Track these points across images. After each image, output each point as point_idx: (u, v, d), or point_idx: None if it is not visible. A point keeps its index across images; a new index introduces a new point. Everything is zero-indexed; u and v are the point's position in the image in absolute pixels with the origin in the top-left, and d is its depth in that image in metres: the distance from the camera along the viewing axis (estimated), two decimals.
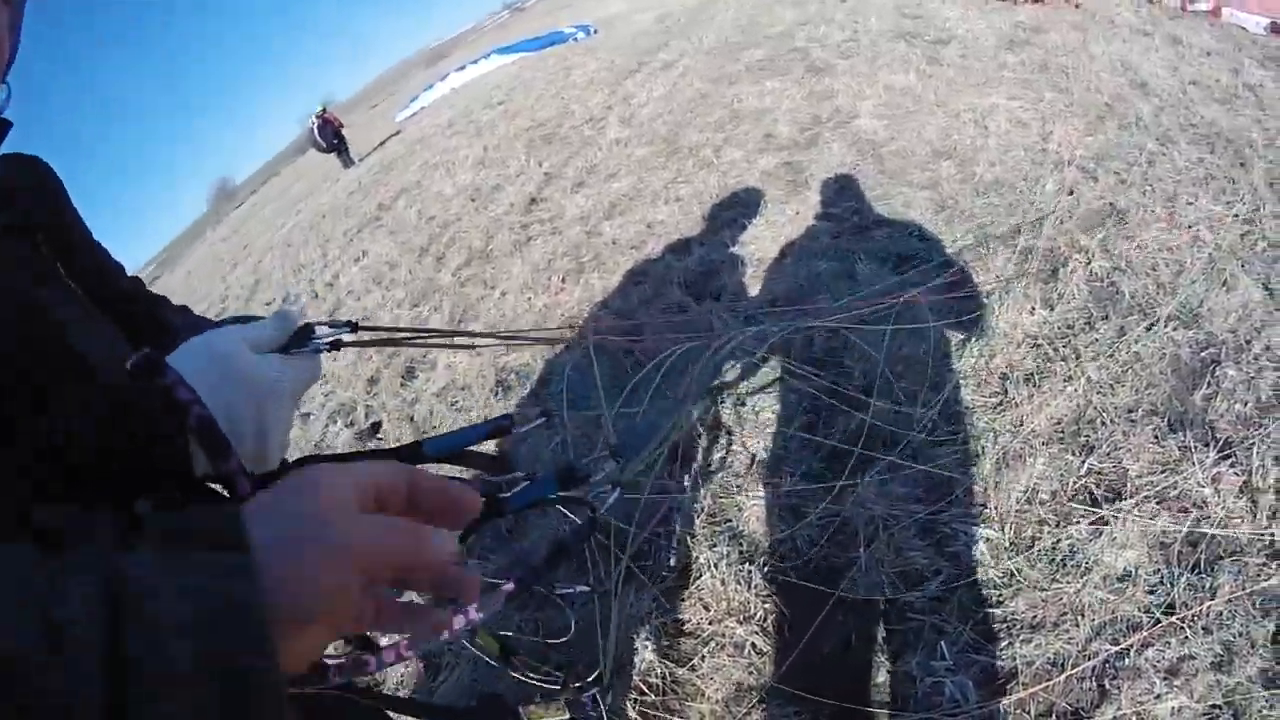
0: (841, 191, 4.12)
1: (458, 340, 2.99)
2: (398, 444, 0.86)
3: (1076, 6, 6.86)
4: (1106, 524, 1.83)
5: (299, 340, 0.70)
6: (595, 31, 17.03)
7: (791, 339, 2.98)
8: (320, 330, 0.74)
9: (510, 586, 0.69)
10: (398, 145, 15.08)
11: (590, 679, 0.96)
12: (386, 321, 5.17)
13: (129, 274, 0.95)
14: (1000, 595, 1.78)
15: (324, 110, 17.23)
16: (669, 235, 4.37)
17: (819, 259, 3.49)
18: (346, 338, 0.78)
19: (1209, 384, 2.17)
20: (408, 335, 1.03)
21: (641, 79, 9.10)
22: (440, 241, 6.33)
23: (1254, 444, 1.93)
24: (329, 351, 0.74)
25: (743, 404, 2.70)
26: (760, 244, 3.89)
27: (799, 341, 2.97)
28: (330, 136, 16.81)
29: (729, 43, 9.17)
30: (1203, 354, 2.30)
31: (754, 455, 2.41)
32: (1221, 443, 1.97)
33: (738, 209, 4.38)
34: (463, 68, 20.68)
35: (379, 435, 3.80)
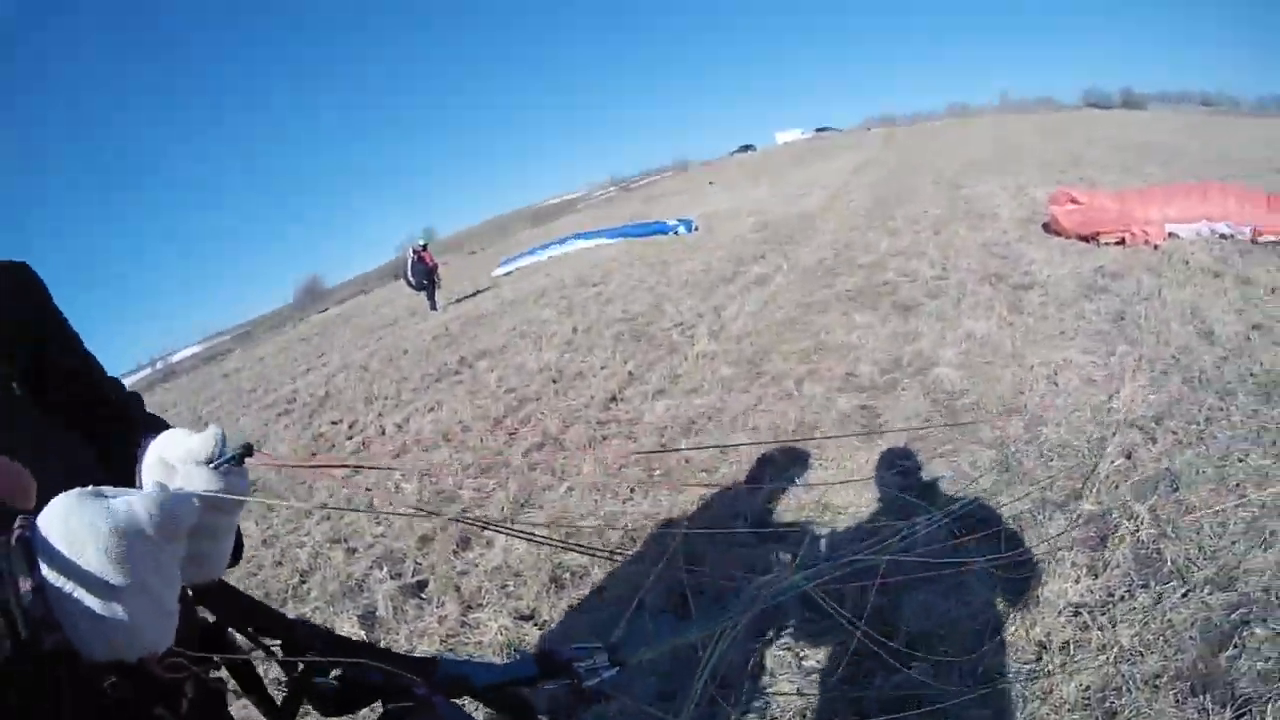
0: (911, 444, 4.21)
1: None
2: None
3: (1155, 248, 7.31)
4: None
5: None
6: (696, 229, 18.14)
7: (844, 590, 2.97)
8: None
9: None
10: (490, 302, 15.81)
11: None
12: (450, 485, 5.27)
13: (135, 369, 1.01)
14: None
15: (425, 246, 17.53)
16: (742, 464, 4.46)
17: (883, 514, 3.53)
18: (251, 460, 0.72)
19: (1235, 644, 2.24)
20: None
21: (734, 291, 9.58)
22: (516, 416, 6.51)
23: (1271, 699, 1.99)
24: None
25: (788, 647, 2.73)
26: (829, 489, 3.93)
27: (851, 592, 2.96)
28: (423, 276, 17.14)
29: (823, 265, 9.69)
30: (1233, 615, 2.38)
31: (794, 704, 2.43)
32: (1240, 701, 2.04)
33: (812, 448, 4.47)
34: (564, 241, 22.02)
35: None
